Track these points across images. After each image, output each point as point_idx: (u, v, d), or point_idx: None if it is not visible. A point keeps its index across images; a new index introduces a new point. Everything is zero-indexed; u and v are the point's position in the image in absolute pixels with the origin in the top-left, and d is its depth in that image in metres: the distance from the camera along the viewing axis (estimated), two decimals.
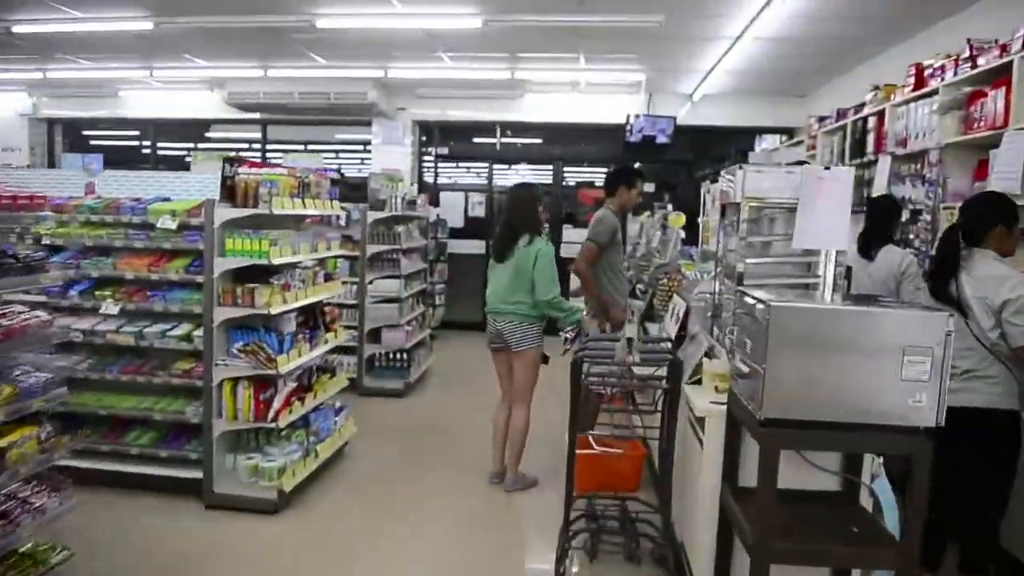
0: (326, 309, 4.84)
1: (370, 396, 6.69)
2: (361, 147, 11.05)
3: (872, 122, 6.51)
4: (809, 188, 3.19)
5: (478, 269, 10.52)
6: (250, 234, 3.97)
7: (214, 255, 3.97)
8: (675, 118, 9.42)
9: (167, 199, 4.40)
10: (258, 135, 11.12)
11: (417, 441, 5.61)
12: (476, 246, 10.49)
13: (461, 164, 11.38)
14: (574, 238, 10.24)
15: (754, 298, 2.49)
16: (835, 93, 8.33)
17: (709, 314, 3.80)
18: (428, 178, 10.91)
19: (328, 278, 4.83)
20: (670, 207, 9.33)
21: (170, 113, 10.80)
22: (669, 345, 3.67)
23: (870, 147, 6.49)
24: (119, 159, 11.61)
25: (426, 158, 10.85)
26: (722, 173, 3.72)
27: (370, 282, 6.62)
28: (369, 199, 6.57)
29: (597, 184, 10.97)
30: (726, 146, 11.30)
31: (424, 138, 10.79)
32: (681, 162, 10.42)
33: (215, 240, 3.96)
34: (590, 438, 4.46)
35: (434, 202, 10.17)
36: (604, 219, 5.00)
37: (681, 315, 3.90)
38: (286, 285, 4.20)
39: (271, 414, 4.07)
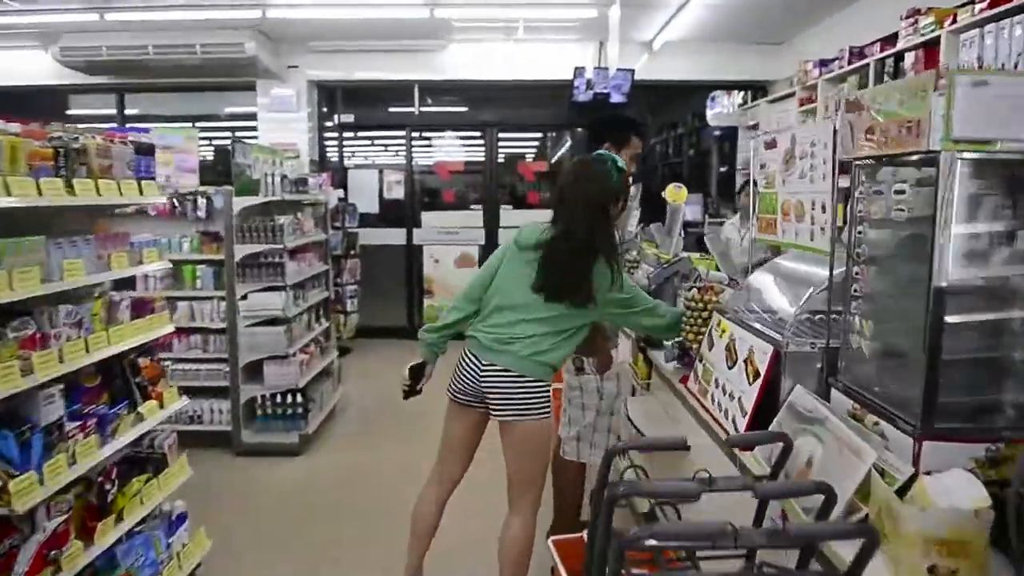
0: (141, 364, 2.92)
1: (252, 456, 4.78)
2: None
3: (912, 58, 4.94)
4: None
5: (398, 262, 8.66)
6: None
7: None
8: (633, 71, 7.70)
9: None
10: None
11: (317, 534, 3.76)
12: (395, 235, 8.59)
13: (374, 139, 9.40)
14: (517, 221, 8.45)
15: None
16: (830, 35, 6.77)
17: (819, 365, 2.09)
18: (333, 156, 8.91)
19: (144, 309, 2.91)
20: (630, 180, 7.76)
21: None
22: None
23: None
24: None
25: (329, 133, 8.83)
26: (851, 97, 2.00)
27: (243, 297, 4.68)
28: (233, 179, 4.63)
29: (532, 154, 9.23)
30: (681, 106, 9.75)
31: (325, 109, 8.75)
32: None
33: None
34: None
35: (340, 183, 8.22)
36: None
37: (763, 366, 2.16)
38: (38, 338, 2.29)
39: None
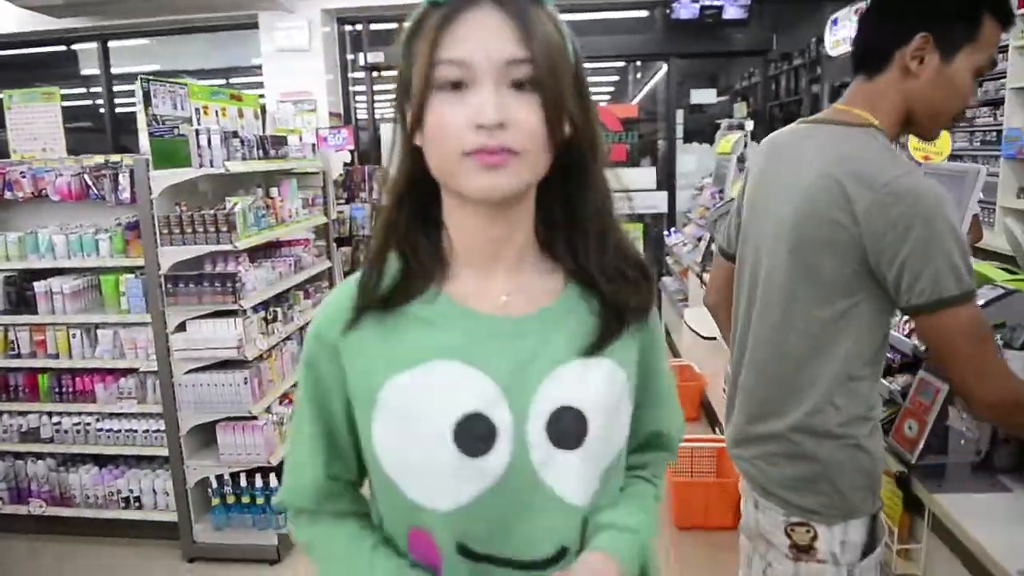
0: None
1: (209, 562, 3.15)
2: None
3: None
4: None
5: None
6: None
7: None
8: None
9: None
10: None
11: None
12: None
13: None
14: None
15: None
16: None
17: None
18: (362, 111, 7.16)
19: None
20: (749, 125, 5.92)
21: None
22: None
23: None
24: None
25: (358, 75, 7.04)
26: None
27: (177, 328, 2.98)
28: (141, 137, 2.90)
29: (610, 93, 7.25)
30: (806, 28, 7.61)
31: (351, 56, 6.94)
32: (759, 53, 6.63)
33: None
34: None
35: (360, 143, 6.49)
36: None
37: None
38: None
39: None
